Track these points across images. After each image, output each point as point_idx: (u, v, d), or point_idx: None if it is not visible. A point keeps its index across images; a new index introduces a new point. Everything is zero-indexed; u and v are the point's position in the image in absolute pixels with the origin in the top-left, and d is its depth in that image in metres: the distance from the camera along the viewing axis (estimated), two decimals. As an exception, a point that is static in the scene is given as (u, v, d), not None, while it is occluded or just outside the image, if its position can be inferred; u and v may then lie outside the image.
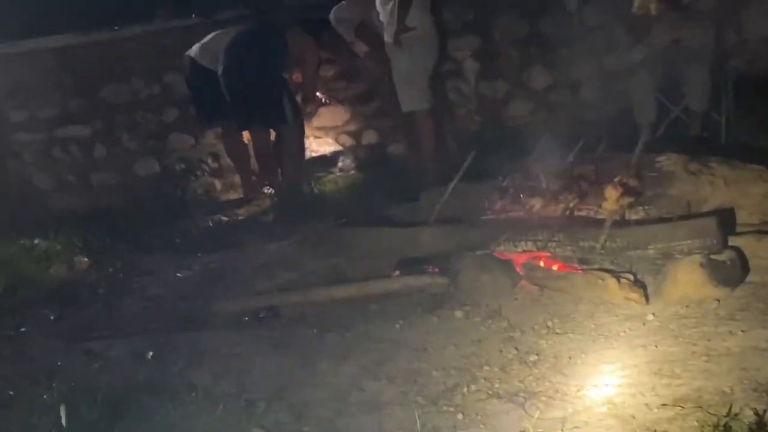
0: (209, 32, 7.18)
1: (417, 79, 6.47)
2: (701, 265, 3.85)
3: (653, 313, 3.81)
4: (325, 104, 7.45)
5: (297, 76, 7.05)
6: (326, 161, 7.46)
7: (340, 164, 7.43)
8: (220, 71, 6.75)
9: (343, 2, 7.13)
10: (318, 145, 7.51)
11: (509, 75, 7.34)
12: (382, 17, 6.45)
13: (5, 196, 7.74)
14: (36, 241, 6.39)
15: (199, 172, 7.59)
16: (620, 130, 5.85)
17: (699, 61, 6.17)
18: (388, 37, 6.46)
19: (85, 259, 5.89)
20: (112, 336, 4.53)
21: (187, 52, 7.00)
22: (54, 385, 3.78)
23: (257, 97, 6.72)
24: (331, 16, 7.06)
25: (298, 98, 7.01)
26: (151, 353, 4.04)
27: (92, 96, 7.84)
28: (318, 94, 7.20)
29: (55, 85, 7.87)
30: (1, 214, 7.33)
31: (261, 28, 7.04)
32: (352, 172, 7.31)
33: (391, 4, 6.30)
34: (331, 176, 7.25)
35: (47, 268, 5.82)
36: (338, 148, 7.56)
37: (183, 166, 7.66)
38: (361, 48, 7.09)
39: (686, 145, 5.13)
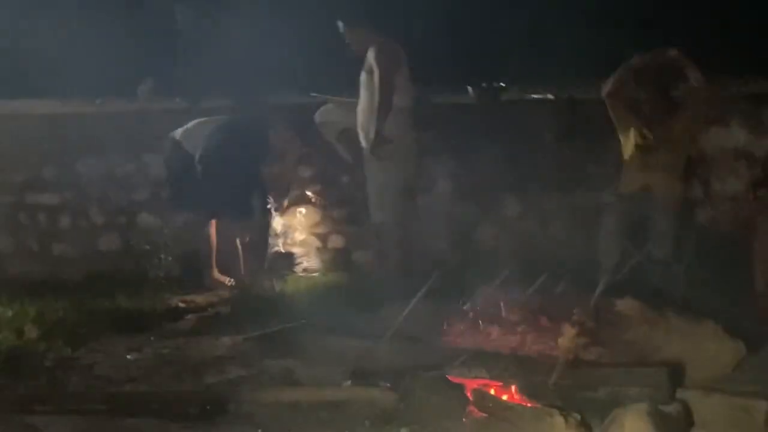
0: (192, 118, 7.24)
1: (389, 192, 6.56)
2: (648, 413, 3.88)
3: (597, 455, 3.83)
4: (297, 203, 7.50)
5: (274, 172, 7.13)
6: (290, 260, 7.47)
7: (304, 265, 7.46)
8: (197, 157, 6.80)
9: (330, 105, 7.21)
10: (285, 243, 7.53)
11: (482, 199, 7.45)
12: (362, 125, 6.57)
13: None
14: (-13, 304, 6.34)
15: (162, 255, 7.54)
16: (584, 268, 5.96)
17: (665, 211, 6.34)
18: (365, 146, 6.57)
19: (36, 329, 5.81)
20: (53, 412, 4.46)
21: (171, 134, 7.02)
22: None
23: (228, 188, 6.74)
24: (316, 118, 7.15)
25: (271, 194, 7.10)
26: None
27: (67, 166, 7.81)
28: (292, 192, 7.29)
29: (32, 151, 7.84)
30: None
31: (244, 121, 7.13)
32: (316, 274, 7.34)
33: (371, 113, 6.42)
34: (293, 276, 7.26)
35: (-5, 332, 5.73)
36: (304, 248, 7.58)
37: (147, 246, 7.62)
38: (342, 153, 7.19)
39: (645, 293, 5.21)
